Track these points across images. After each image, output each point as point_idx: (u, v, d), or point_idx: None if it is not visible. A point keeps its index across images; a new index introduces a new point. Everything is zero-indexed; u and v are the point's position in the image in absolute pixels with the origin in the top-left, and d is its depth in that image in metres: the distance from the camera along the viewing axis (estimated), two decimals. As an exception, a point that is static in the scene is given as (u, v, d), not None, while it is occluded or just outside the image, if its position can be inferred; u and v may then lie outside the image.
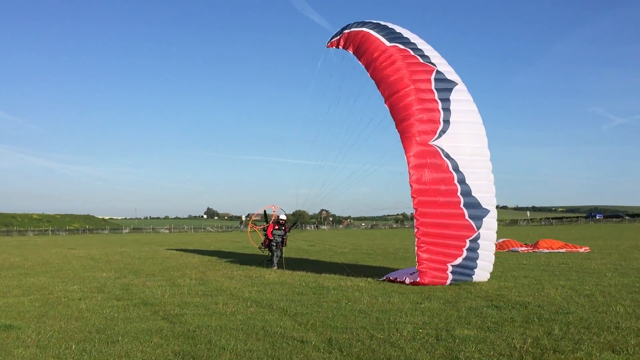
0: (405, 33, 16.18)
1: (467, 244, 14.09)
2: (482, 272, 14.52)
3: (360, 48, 15.93)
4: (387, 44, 15.38)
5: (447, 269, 14.10)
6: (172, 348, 8.15)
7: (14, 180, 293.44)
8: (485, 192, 14.44)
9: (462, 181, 14.17)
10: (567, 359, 7.13)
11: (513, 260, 22.26)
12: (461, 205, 14.01)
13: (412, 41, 15.73)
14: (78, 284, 16.51)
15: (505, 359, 7.20)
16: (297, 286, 14.94)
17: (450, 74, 15.18)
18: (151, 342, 8.57)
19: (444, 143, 14.17)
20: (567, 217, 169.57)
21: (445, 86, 14.80)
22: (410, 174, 13.96)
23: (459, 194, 14.03)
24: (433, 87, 14.63)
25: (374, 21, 16.91)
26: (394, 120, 14.46)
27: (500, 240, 30.69)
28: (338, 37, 17.20)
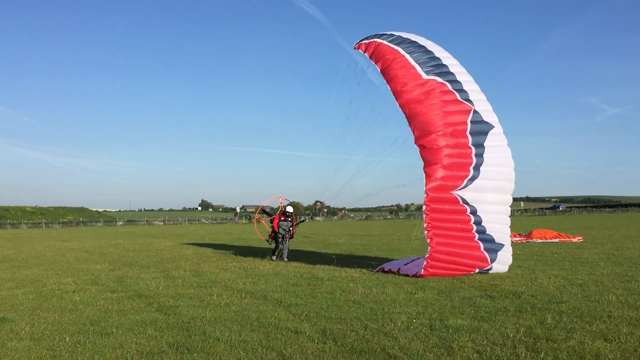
0: (443, 56, 15.05)
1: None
2: None
3: (390, 70, 14.62)
4: (424, 76, 14.15)
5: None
6: (167, 339, 8.16)
7: (7, 173, 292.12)
8: (501, 232, 14.17)
9: (478, 222, 13.81)
10: (560, 348, 7.17)
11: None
12: (476, 239, 13.75)
13: (450, 70, 14.60)
14: (72, 277, 16.47)
15: (498, 348, 7.24)
16: (291, 277, 14.96)
17: (487, 113, 14.25)
18: (145, 333, 8.57)
19: (467, 193, 13.64)
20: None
21: (482, 129, 13.93)
22: (426, 206, 13.70)
23: (474, 231, 13.76)
24: (468, 132, 13.76)
25: (407, 37, 15.67)
26: (422, 160, 13.77)
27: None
28: (367, 41, 16.06)
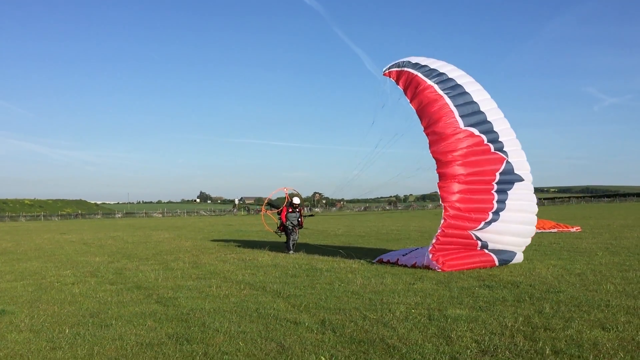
0: (481, 99, 14.22)
1: None
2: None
3: (426, 110, 13.82)
4: (462, 125, 13.49)
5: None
6: (166, 331, 8.18)
7: (5, 166, 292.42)
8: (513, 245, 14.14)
9: (485, 247, 13.81)
10: (558, 337, 7.19)
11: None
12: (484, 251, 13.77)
13: (488, 118, 13.88)
14: (71, 269, 16.49)
15: (496, 338, 7.26)
16: (290, 268, 14.99)
17: (520, 164, 13.91)
18: (145, 325, 8.59)
19: (482, 233, 13.51)
20: (559, 198, 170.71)
21: (509, 179, 13.63)
22: (436, 239, 13.53)
23: (479, 247, 13.77)
24: (495, 182, 13.50)
25: (443, 71, 14.57)
26: (441, 199, 13.50)
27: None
28: (398, 69, 15.03)
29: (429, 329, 7.86)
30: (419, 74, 14.42)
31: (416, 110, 13.99)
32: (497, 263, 13.60)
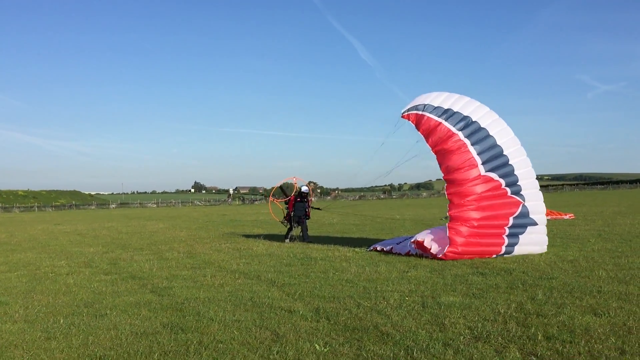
0: (504, 141, 13.87)
1: None
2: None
3: (448, 158, 13.53)
4: (482, 172, 13.29)
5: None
6: (161, 320, 8.20)
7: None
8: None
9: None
10: (550, 323, 7.25)
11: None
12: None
13: (510, 162, 13.65)
14: (65, 259, 16.47)
15: (489, 324, 7.31)
16: (284, 257, 15.02)
17: (535, 207, 13.73)
18: (139, 314, 8.61)
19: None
20: (553, 185, 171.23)
21: (523, 222, 13.46)
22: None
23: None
24: (508, 227, 13.29)
25: (466, 114, 14.08)
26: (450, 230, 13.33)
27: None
28: (418, 113, 14.40)
29: (422, 316, 7.90)
30: (442, 121, 13.94)
31: (437, 157, 13.74)
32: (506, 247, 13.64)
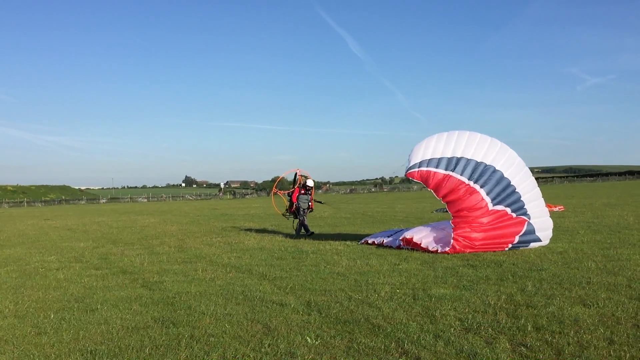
0: (512, 170, 13.84)
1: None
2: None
3: (458, 204, 13.39)
4: (490, 206, 13.20)
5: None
6: (152, 314, 8.18)
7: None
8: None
9: None
10: (540, 314, 7.31)
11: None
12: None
13: (517, 190, 13.60)
14: (55, 255, 16.39)
15: (480, 315, 7.36)
16: (276, 251, 15.03)
17: (541, 224, 13.71)
18: (130, 309, 8.59)
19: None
20: (543, 178, 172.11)
21: (528, 239, 13.39)
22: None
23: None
24: (513, 243, 13.23)
25: (468, 152, 13.99)
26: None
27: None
28: (421, 170, 14.02)
29: (413, 308, 7.94)
30: (449, 173, 13.72)
31: (447, 205, 13.59)
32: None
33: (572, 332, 6.44)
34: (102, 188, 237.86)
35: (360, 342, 6.44)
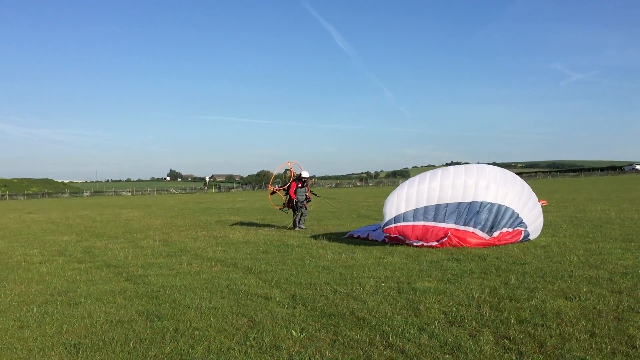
0: (499, 194, 13.50)
1: None
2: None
3: (449, 244, 12.94)
4: (487, 236, 12.99)
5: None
6: (136, 308, 8.14)
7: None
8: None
9: None
10: (523, 307, 7.38)
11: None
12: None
13: (509, 209, 13.37)
14: (38, 248, 16.24)
15: (463, 309, 7.41)
16: (261, 245, 15.02)
17: (535, 228, 13.81)
18: (115, 302, 8.54)
19: None
20: (526, 172, 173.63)
21: (521, 241, 13.34)
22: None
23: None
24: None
25: (447, 196, 13.52)
26: None
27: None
28: (396, 225, 13.55)
29: (398, 301, 7.98)
30: (432, 224, 13.37)
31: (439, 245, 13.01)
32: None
33: (554, 325, 6.52)
34: (86, 181, 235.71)
35: (345, 335, 6.47)
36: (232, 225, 22.21)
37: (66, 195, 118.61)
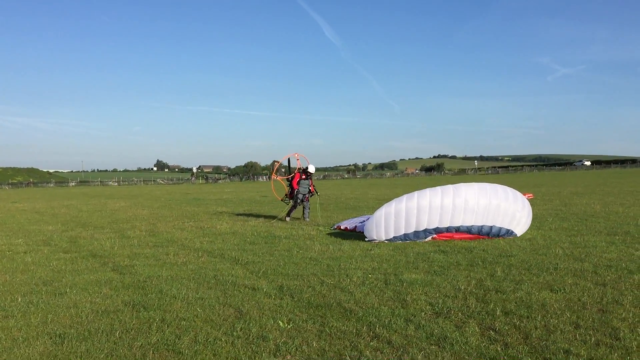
0: (479, 205, 12.91)
1: None
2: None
3: None
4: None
5: None
6: (122, 298, 8.10)
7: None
8: None
9: None
10: (508, 299, 7.43)
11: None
12: None
13: (498, 224, 13.02)
14: (23, 238, 16.10)
15: (450, 300, 7.45)
16: (248, 236, 14.99)
17: (523, 228, 13.54)
18: (100, 292, 8.49)
19: None
20: (513, 166, 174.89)
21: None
22: None
23: None
24: None
25: (431, 221, 12.81)
26: None
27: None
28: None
29: (385, 293, 8.00)
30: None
31: None
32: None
33: (539, 317, 6.57)
34: (72, 171, 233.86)
35: (332, 326, 6.48)
36: (218, 214, 22.13)
37: (52, 185, 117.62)
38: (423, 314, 6.87)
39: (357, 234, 14.55)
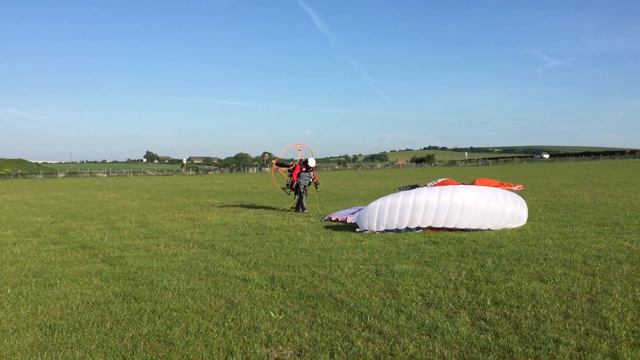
0: (462, 205, 12.79)
1: None
2: None
3: None
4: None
5: None
6: (113, 289, 8.07)
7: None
8: None
9: None
10: (499, 289, 7.47)
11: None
12: None
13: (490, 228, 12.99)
14: (12, 229, 15.98)
15: (441, 291, 7.48)
16: (239, 227, 14.96)
17: (517, 223, 13.51)
18: (91, 284, 8.45)
19: None
20: (503, 157, 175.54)
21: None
22: None
23: None
24: None
25: (416, 220, 12.80)
26: None
27: (439, 180, 31.69)
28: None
29: (376, 283, 8.02)
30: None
31: None
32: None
33: (529, 307, 6.61)
34: (60, 162, 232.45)
35: (323, 316, 6.49)
36: (209, 205, 22.08)
37: (40, 176, 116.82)
38: (414, 304, 6.89)
39: (348, 225, 14.56)
